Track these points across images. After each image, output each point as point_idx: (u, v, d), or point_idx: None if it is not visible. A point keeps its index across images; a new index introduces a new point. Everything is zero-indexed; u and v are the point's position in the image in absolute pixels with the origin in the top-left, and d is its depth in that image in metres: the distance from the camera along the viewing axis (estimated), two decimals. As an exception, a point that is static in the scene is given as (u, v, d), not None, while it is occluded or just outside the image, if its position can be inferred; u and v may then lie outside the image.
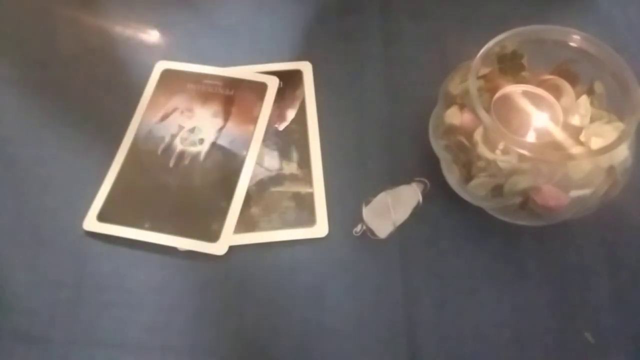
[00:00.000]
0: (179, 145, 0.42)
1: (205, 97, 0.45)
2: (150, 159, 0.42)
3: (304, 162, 0.41)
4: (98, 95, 0.45)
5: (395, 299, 0.37)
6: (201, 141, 0.42)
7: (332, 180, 0.41)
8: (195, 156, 0.42)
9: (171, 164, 0.41)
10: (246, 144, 0.42)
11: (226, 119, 0.43)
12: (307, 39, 0.44)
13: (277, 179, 0.41)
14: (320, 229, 0.39)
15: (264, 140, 0.42)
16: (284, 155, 0.42)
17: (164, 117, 0.44)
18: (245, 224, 0.39)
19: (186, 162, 0.41)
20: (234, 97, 0.44)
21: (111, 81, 0.46)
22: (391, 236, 0.38)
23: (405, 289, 0.37)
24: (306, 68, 0.46)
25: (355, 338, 0.36)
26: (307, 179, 0.41)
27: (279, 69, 0.46)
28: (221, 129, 0.43)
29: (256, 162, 0.41)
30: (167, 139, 0.43)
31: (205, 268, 0.38)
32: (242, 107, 0.44)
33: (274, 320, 0.36)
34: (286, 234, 0.39)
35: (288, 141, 0.43)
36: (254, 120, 0.43)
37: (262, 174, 0.41)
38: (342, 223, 0.39)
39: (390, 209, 0.38)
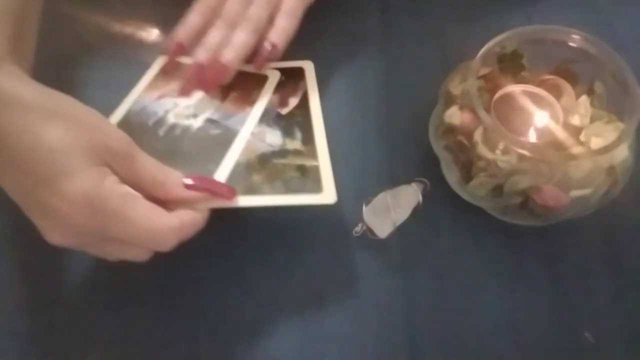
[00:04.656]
0: (172, 119, 0.41)
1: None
2: (140, 129, 0.40)
3: (308, 140, 0.40)
4: (97, 94, 0.45)
5: (395, 299, 0.37)
6: (195, 116, 0.41)
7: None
8: (187, 127, 0.40)
9: (161, 133, 0.40)
10: (242, 121, 0.41)
11: (224, 100, 0.42)
12: (306, 39, 0.44)
13: (281, 152, 0.39)
14: (327, 195, 0.36)
15: (266, 121, 0.41)
16: (287, 134, 0.41)
17: (160, 97, 0.43)
18: (246, 189, 0.37)
19: (177, 132, 0.40)
20: (234, 85, 0.44)
21: (110, 80, 0.46)
22: (391, 236, 0.38)
23: (405, 289, 0.37)
24: (308, 66, 0.45)
25: (355, 338, 0.36)
26: (312, 154, 0.39)
27: (280, 66, 0.45)
28: (218, 108, 0.42)
29: (258, 139, 0.40)
30: (160, 113, 0.41)
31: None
32: (240, 92, 0.43)
33: (273, 321, 0.36)
34: (291, 199, 0.36)
35: (291, 123, 0.41)
36: (251, 103, 0.42)
37: (264, 149, 0.39)
38: (342, 223, 0.39)
39: (390, 209, 0.38)
